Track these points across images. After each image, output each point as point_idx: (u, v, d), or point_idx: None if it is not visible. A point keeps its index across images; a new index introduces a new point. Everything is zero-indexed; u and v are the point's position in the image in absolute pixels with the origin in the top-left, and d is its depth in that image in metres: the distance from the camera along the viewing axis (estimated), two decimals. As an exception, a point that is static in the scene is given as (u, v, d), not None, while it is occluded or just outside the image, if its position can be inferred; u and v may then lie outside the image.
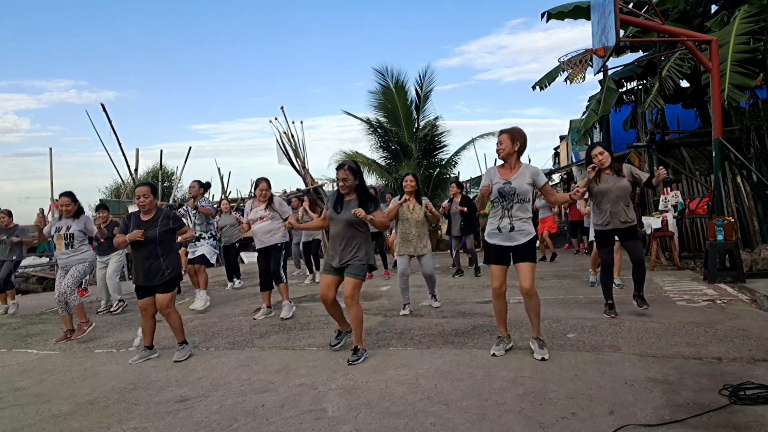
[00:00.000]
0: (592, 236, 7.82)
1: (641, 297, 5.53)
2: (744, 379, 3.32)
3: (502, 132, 4.32)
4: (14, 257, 8.35)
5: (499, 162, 4.45)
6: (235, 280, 9.81)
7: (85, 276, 6.31)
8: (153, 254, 4.74)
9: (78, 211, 6.33)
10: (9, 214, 8.42)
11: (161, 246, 4.76)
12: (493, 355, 4.28)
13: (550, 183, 4.67)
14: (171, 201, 20.06)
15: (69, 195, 6.33)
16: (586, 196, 5.54)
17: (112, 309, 7.68)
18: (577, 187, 5.11)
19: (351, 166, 4.58)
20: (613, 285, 6.00)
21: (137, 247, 4.77)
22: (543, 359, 4.07)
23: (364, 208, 4.39)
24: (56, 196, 13.80)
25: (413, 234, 6.13)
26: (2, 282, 8.30)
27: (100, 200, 17.07)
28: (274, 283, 6.47)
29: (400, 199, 6.28)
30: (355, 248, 4.46)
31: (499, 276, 4.23)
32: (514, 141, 4.24)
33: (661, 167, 5.42)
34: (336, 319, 4.82)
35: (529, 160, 27.37)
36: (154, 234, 4.74)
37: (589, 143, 18.16)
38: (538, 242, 8.03)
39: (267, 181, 6.51)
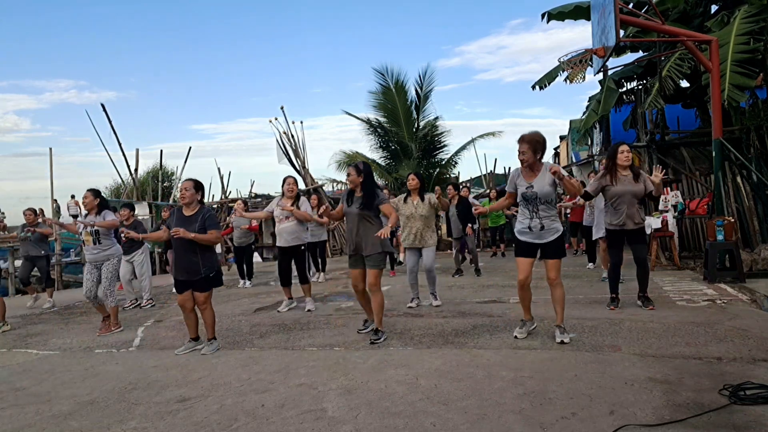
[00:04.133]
0: (597, 235, 7.82)
1: (646, 298, 5.76)
2: (744, 379, 3.32)
3: (522, 141, 4.48)
4: (42, 252, 8.76)
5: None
6: (246, 281, 9.85)
7: (118, 272, 6.51)
8: (190, 250, 4.76)
9: (101, 207, 6.36)
10: (34, 212, 8.83)
11: (198, 243, 4.75)
12: (515, 337, 4.68)
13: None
14: (171, 201, 20.05)
15: (89, 191, 6.46)
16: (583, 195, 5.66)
17: (142, 305, 7.93)
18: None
19: (357, 165, 5.10)
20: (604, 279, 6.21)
21: (176, 241, 4.79)
22: (563, 342, 4.43)
23: (366, 204, 4.94)
24: (56, 196, 13.84)
25: (418, 228, 6.38)
26: (45, 281, 8.91)
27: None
28: (299, 282, 6.78)
29: (405, 198, 6.48)
30: (370, 239, 4.90)
31: (525, 269, 4.57)
32: (535, 151, 4.47)
33: (658, 167, 5.55)
34: (364, 307, 5.28)
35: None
36: (192, 230, 4.72)
37: (589, 143, 18.21)
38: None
39: (294, 178, 6.79)
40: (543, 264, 4.63)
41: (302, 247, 6.72)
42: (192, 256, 4.77)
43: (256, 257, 15.51)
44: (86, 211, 6.44)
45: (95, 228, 6.22)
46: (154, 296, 8.43)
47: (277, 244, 6.75)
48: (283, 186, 6.72)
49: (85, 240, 6.29)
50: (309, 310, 6.64)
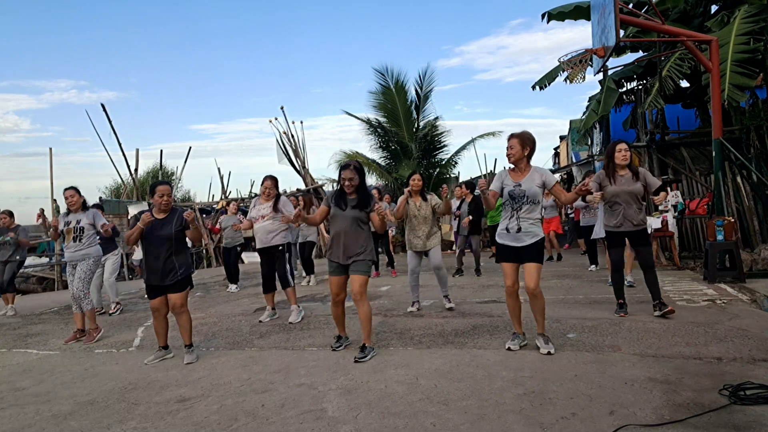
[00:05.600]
0: (597, 234, 7.72)
1: (662, 303, 5.38)
2: (744, 379, 3.32)
3: (512, 137, 4.44)
4: (17, 257, 8.38)
5: (510, 165, 4.56)
6: (231, 285, 9.47)
7: (93, 273, 6.21)
8: (166, 253, 4.68)
9: (84, 205, 6.21)
10: (10, 214, 8.43)
11: (175, 245, 4.71)
12: (509, 349, 4.40)
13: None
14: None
15: (72, 188, 6.23)
16: (594, 194, 5.46)
17: (110, 312, 7.62)
18: (584, 183, 4.99)
19: (356, 166, 4.73)
20: (625, 284, 6.04)
21: (150, 245, 4.70)
22: (549, 353, 4.21)
23: (364, 207, 4.59)
24: (56, 196, 13.85)
25: (421, 230, 6.24)
26: (5, 284, 8.27)
27: (100, 199, 17.03)
28: (281, 287, 6.36)
29: (407, 201, 6.29)
30: (361, 244, 4.58)
31: (511, 274, 4.40)
32: (524, 146, 4.38)
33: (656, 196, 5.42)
34: (339, 322, 4.84)
35: (529, 160, 27.13)
36: (169, 232, 4.66)
37: (589, 143, 18.20)
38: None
39: (273, 179, 6.30)
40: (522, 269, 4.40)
41: (280, 248, 6.21)
42: (167, 259, 4.67)
43: (256, 257, 15.48)
44: (71, 210, 6.17)
45: (80, 225, 6.01)
46: (142, 298, 8.27)
47: (256, 245, 6.31)
48: (261, 185, 6.30)
49: (66, 237, 6.07)
50: (291, 323, 6.04)
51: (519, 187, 4.36)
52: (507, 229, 4.38)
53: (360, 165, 4.83)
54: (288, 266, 6.39)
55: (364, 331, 4.55)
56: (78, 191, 6.24)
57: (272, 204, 6.16)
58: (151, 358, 4.82)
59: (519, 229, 4.32)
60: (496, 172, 21.24)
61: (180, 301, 4.73)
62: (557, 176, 23.94)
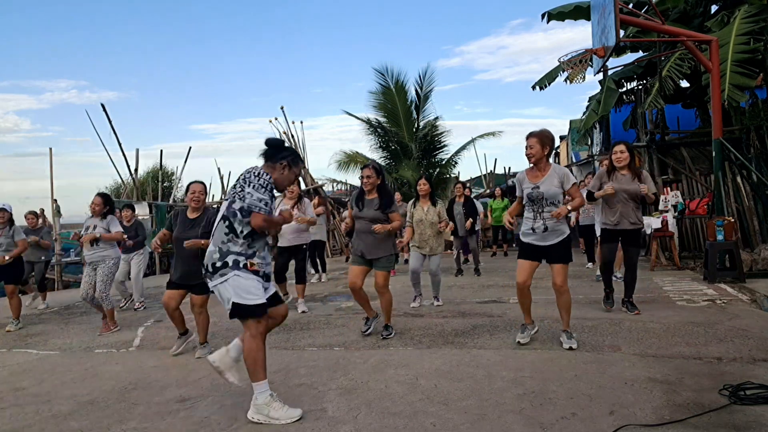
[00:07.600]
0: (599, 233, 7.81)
1: (631, 303, 5.61)
2: (744, 379, 3.32)
3: (530, 136, 4.38)
4: (43, 257, 8.73)
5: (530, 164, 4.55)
6: None
7: (113, 275, 6.42)
8: (193, 254, 4.70)
9: (107, 212, 6.35)
10: (36, 215, 8.81)
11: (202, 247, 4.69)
12: (518, 342, 4.51)
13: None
14: (171, 201, 20.05)
15: (101, 196, 6.40)
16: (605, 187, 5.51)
17: (134, 308, 7.77)
18: (584, 183, 5.18)
19: (375, 165, 5.07)
20: (614, 278, 6.20)
21: (180, 244, 4.77)
22: (571, 348, 4.29)
23: (383, 208, 4.93)
24: (56, 196, 13.83)
25: (428, 234, 6.33)
26: (38, 283, 8.83)
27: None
28: (295, 281, 6.82)
29: (414, 203, 6.47)
30: (381, 244, 4.94)
31: (524, 271, 4.42)
32: (543, 145, 4.35)
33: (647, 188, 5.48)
34: (363, 305, 5.22)
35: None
36: (195, 234, 4.70)
37: (589, 143, 18.21)
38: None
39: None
40: (549, 268, 4.50)
41: (304, 246, 6.76)
42: (194, 260, 4.70)
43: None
44: (91, 214, 6.40)
45: (95, 231, 6.15)
46: (154, 296, 8.41)
47: (279, 243, 6.74)
48: None
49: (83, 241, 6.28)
50: (303, 312, 6.56)
51: (537, 189, 4.33)
52: (533, 229, 4.38)
53: (379, 165, 5.15)
54: (306, 263, 6.95)
55: (386, 314, 5.13)
56: (105, 199, 6.38)
57: (294, 204, 6.61)
58: (174, 348, 4.95)
59: (546, 229, 4.33)
60: (497, 172, 21.26)
61: (200, 302, 4.82)
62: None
